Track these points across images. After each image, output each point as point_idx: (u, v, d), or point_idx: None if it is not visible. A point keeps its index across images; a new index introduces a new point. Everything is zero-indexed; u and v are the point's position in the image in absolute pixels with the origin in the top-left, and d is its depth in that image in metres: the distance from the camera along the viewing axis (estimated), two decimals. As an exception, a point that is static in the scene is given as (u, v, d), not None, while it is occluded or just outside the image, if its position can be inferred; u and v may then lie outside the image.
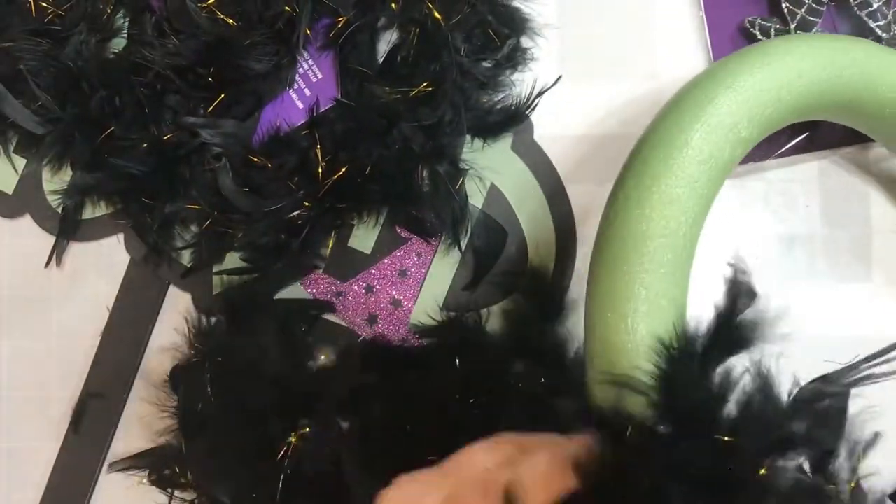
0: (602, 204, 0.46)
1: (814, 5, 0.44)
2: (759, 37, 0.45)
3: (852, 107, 0.38)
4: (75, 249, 0.48)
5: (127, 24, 0.45)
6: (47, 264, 0.47)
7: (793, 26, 0.44)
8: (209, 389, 0.40)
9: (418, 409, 0.39)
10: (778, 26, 0.45)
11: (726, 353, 0.32)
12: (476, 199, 0.46)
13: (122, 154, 0.42)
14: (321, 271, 0.46)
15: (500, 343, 0.41)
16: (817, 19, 0.44)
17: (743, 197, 0.46)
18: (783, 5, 0.44)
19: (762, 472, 0.30)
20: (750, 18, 0.45)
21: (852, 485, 0.34)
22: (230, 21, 0.41)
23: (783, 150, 0.45)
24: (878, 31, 0.44)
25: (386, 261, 0.46)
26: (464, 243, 0.45)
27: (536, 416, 0.36)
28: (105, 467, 0.47)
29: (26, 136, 0.45)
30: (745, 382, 0.32)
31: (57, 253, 0.47)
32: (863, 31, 0.45)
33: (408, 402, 0.39)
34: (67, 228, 0.47)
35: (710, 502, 0.29)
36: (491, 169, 0.46)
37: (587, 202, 0.46)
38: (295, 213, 0.42)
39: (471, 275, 0.46)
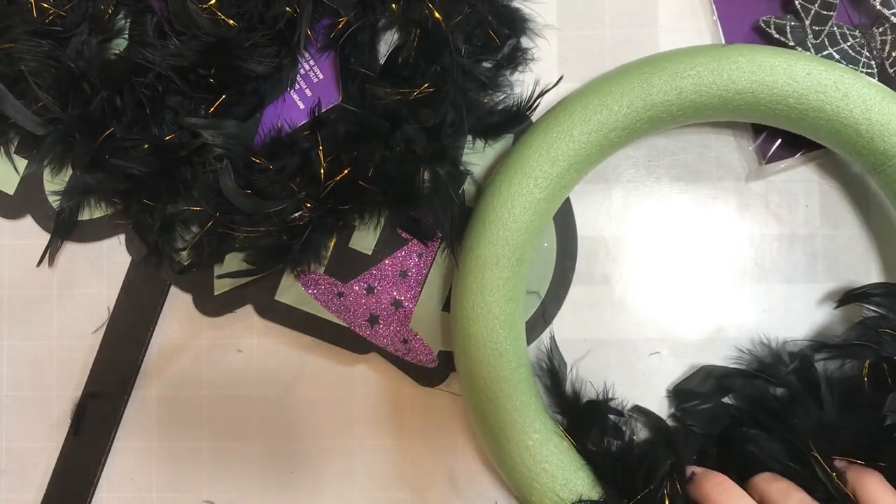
0: (602, 203, 0.47)
1: (826, -2, 0.44)
2: (776, 35, 0.44)
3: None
4: (76, 250, 0.48)
5: (128, 24, 0.45)
6: (39, 263, 0.47)
7: (808, 22, 0.44)
8: None
9: None
10: (793, 23, 0.44)
11: None
12: (477, 200, 0.46)
13: (124, 155, 0.42)
14: (323, 271, 0.46)
15: None
16: (831, 13, 0.44)
17: (743, 197, 0.46)
18: (796, 2, 0.44)
19: None
20: (765, 18, 0.44)
21: None
22: (231, 22, 0.41)
23: (791, 159, 0.45)
24: (894, 20, 0.44)
25: (387, 261, 0.46)
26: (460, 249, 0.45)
27: None
28: (105, 467, 0.47)
29: (27, 136, 0.45)
30: None
31: (50, 253, 0.47)
32: (878, 21, 0.45)
33: None
34: (62, 228, 0.46)
35: None
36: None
37: (587, 202, 0.46)
38: (297, 215, 0.42)
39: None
